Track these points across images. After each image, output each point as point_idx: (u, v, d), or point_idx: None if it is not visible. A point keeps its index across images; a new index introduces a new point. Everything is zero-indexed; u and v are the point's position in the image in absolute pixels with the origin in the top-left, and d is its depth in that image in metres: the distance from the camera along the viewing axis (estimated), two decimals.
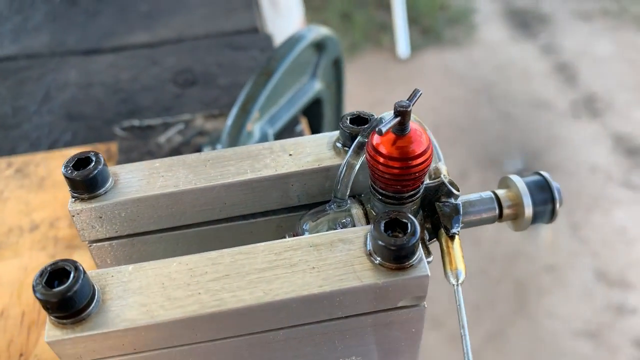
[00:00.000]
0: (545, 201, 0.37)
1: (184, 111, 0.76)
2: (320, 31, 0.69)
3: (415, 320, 0.34)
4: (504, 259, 1.89)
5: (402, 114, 0.32)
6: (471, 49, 2.52)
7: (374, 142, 0.34)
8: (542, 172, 0.38)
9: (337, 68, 0.75)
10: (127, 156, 0.66)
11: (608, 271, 1.84)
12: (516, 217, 0.38)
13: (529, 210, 0.37)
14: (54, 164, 0.66)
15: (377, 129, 0.31)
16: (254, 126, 0.62)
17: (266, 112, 0.64)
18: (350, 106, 0.80)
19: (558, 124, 2.21)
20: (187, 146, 0.67)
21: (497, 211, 0.38)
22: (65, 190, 0.64)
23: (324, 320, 0.33)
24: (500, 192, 0.38)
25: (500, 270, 1.84)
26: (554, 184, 0.37)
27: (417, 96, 0.33)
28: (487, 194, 0.38)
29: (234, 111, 0.61)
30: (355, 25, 2.58)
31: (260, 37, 0.89)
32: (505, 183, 0.39)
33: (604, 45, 2.47)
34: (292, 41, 0.66)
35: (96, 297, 0.32)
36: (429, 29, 2.60)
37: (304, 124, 0.71)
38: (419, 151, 0.33)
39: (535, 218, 0.37)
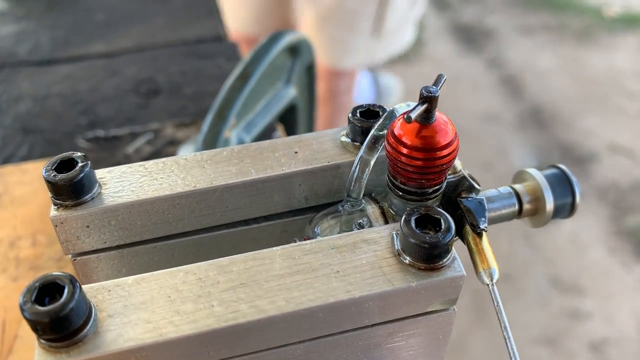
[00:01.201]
0: (566, 195, 0.36)
1: (149, 121, 0.72)
2: (295, 35, 0.66)
3: (444, 325, 0.32)
4: None
5: (429, 99, 0.30)
6: (420, 64, 2.55)
7: (397, 132, 0.31)
8: (560, 165, 0.36)
9: (309, 74, 0.73)
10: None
11: (562, 278, 1.88)
12: (536, 212, 0.36)
13: (550, 205, 0.35)
14: (11, 179, 0.61)
15: (405, 117, 0.29)
16: (231, 133, 0.59)
17: (242, 118, 0.61)
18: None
19: (506, 135, 2.26)
20: (159, 156, 0.62)
21: (517, 207, 0.36)
22: (25, 206, 0.59)
23: (349, 330, 0.30)
24: (519, 187, 0.36)
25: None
26: (574, 178, 0.36)
27: (442, 81, 0.31)
28: (506, 189, 0.36)
29: (209, 117, 0.58)
30: None
31: (225, 45, 0.86)
32: (521, 177, 0.37)
33: (546, 58, 2.55)
34: (268, 44, 0.63)
35: (93, 315, 0.27)
36: None
37: (280, 131, 0.68)
38: (445, 142, 0.31)
39: (556, 213, 0.35)
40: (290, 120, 0.71)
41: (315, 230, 0.34)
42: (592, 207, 2.03)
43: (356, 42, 1.54)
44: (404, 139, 0.31)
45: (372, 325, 0.30)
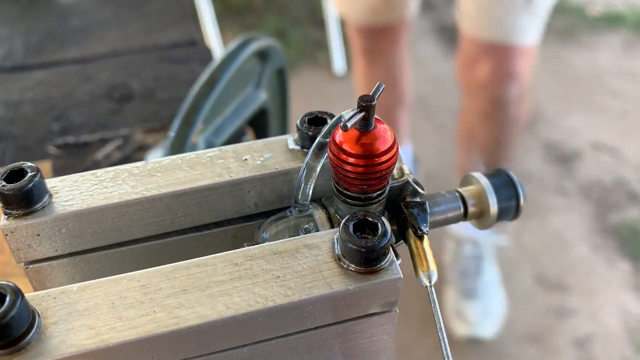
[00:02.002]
0: (510, 198, 0.36)
1: (122, 127, 0.72)
2: (264, 40, 0.67)
3: (387, 326, 0.33)
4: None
5: (366, 108, 0.31)
6: None
7: (337, 140, 0.32)
8: (504, 169, 0.37)
9: (281, 78, 0.74)
10: (63, 175, 0.61)
11: (547, 275, 1.89)
12: (481, 215, 0.37)
13: (494, 208, 0.36)
14: None
15: (341, 125, 0.30)
16: (199, 138, 0.59)
17: (211, 123, 0.62)
18: (291, 122, 0.78)
19: None
20: (128, 162, 0.63)
21: (462, 210, 0.37)
22: None
23: (291, 333, 0.31)
24: (464, 191, 0.37)
25: (443, 282, 1.86)
26: (518, 180, 0.37)
27: (380, 90, 0.32)
28: (452, 192, 0.37)
29: (176, 123, 0.59)
30: (291, 43, 2.58)
31: (199, 50, 0.86)
32: (468, 181, 0.38)
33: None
34: (236, 50, 0.64)
35: (36, 322, 0.28)
36: None
37: (250, 135, 0.68)
38: (384, 148, 0.32)
39: (500, 215, 0.36)
40: (262, 125, 0.72)
41: (264, 235, 0.35)
42: (576, 205, 2.04)
43: (513, 15, 1.24)
44: (345, 147, 0.32)
45: (315, 328, 0.31)
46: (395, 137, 0.32)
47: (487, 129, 1.44)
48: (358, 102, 0.31)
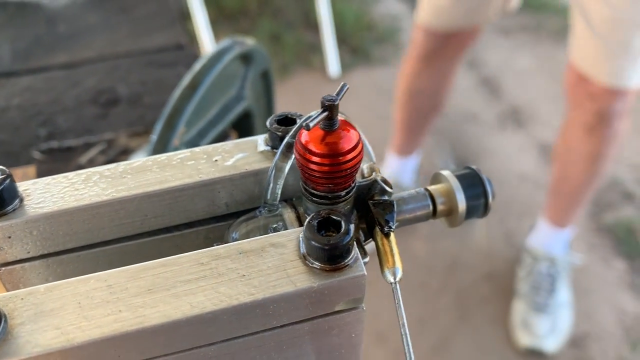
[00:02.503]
0: (478, 195, 0.37)
1: (108, 131, 0.73)
2: (247, 43, 0.67)
3: (355, 323, 0.33)
4: (443, 270, 1.91)
5: (329, 108, 0.31)
6: (399, 66, 2.57)
7: (303, 140, 0.32)
8: (472, 166, 0.37)
9: (266, 80, 0.74)
10: None
11: None
12: (450, 212, 0.37)
13: (462, 205, 0.36)
14: None
15: (304, 124, 0.30)
16: (182, 141, 0.60)
17: (193, 126, 0.62)
18: None
19: (486, 135, 2.27)
20: None
21: (431, 208, 0.37)
22: None
23: (258, 331, 0.31)
24: (433, 189, 0.38)
25: (440, 281, 1.86)
26: (485, 178, 0.37)
27: (344, 90, 0.32)
28: (421, 190, 0.38)
29: (159, 126, 0.59)
30: (285, 47, 2.59)
31: (186, 54, 0.87)
32: (437, 179, 0.38)
33: (524, 59, 2.58)
34: (218, 54, 0.64)
35: (2, 323, 0.28)
36: (358, 48, 2.63)
37: (234, 138, 0.69)
38: (349, 147, 0.32)
39: (469, 213, 0.37)
40: (246, 127, 0.73)
41: (233, 235, 0.35)
42: None
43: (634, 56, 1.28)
44: (310, 146, 0.32)
45: (282, 326, 0.31)
46: (360, 137, 0.33)
47: (589, 142, 1.45)
48: (321, 102, 0.31)
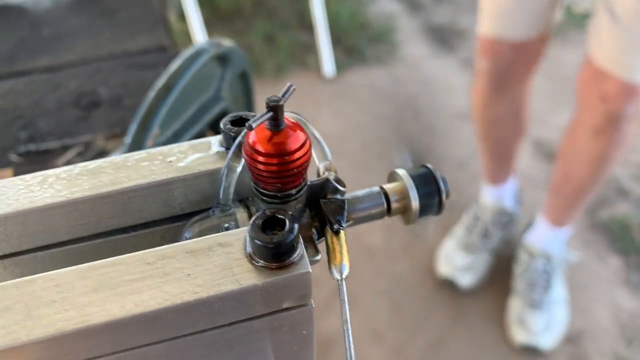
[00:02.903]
0: (432, 194, 0.37)
1: (88, 134, 0.73)
2: (223, 44, 0.68)
3: (305, 321, 0.33)
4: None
5: (274, 108, 0.31)
6: (395, 66, 2.57)
7: (250, 141, 0.33)
8: (427, 165, 0.38)
9: (244, 81, 0.74)
10: None
11: None
12: (404, 210, 0.37)
13: (415, 204, 0.37)
14: None
15: (247, 125, 0.30)
16: (156, 142, 0.60)
17: (168, 127, 0.63)
18: None
19: None
20: None
21: (385, 206, 0.37)
22: None
23: (206, 329, 0.32)
24: (388, 187, 0.38)
25: (436, 280, 1.86)
26: (440, 176, 0.37)
27: (290, 91, 0.33)
28: (375, 189, 0.38)
29: (132, 128, 0.59)
30: (280, 47, 2.59)
31: (168, 56, 0.87)
32: (392, 177, 0.39)
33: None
34: (193, 55, 0.65)
35: None
36: (353, 48, 2.63)
37: None
38: (295, 146, 0.32)
39: (423, 210, 0.37)
40: None
41: (186, 235, 0.36)
42: None
43: None
44: (257, 147, 0.32)
45: (230, 324, 0.32)
46: (307, 136, 0.33)
47: (596, 144, 1.43)
48: (266, 103, 0.32)
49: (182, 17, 2.44)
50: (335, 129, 2.29)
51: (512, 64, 1.53)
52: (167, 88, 0.61)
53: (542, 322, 1.68)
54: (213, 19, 2.67)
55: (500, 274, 1.86)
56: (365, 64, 2.58)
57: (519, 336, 1.68)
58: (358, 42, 2.66)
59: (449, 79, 2.50)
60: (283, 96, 0.32)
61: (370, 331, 1.74)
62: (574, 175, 1.56)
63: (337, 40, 2.60)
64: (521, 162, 2.13)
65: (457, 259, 1.82)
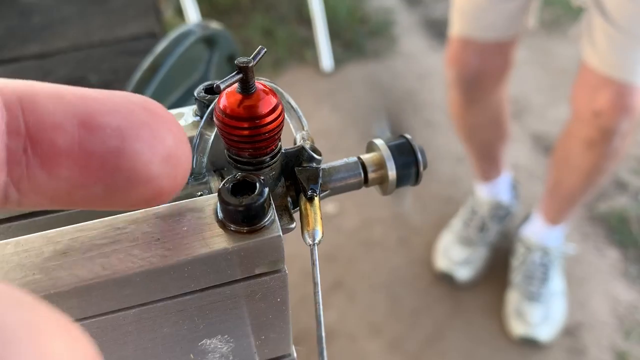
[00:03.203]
0: (409, 164, 0.37)
1: None
2: (210, 26, 0.68)
3: (278, 288, 0.33)
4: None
5: (243, 69, 0.31)
6: (393, 60, 2.57)
7: (221, 105, 0.32)
8: (406, 135, 0.37)
9: (233, 65, 0.74)
10: None
11: None
12: (382, 181, 0.37)
13: (392, 174, 0.36)
14: None
15: (214, 86, 0.30)
16: None
17: None
18: None
19: None
20: None
21: (362, 176, 0.37)
22: None
23: (177, 295, 0.31)
24: (366, 157, 0.38)
25: (433, 273, 1.86)
26: (417, 146, 0.37)
27: (262, 54, 0.32)
28: (352, 159, 0.38)
29: None
30: (278, 41, 2.59)
31: (158, 42, 0.87)
32: (370, 147, 0.38)
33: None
34: (179, 37, 0.64)
35: None
36: (351, 42, 2.63)
37: None
38: (266, 110, 0.32)
39: (400, 181, 0.37)
40: None
41: None
42: None
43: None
44: (227, 110, 0.32)
45: (202, 290, 0.31)
46: (279, 99, 0.33)
47: (587, 156, 1.43)
48: (236, 64, 0.31)
49: (179, 11, 2.44)
50: (333, 123, 2.29)
51: (480, 73, 1.52)
52: (153, 69, 0.61)
53: (540, 315, 1.68)
54: (211, 13, 2.67)
55: (498, 266, 1.85)
56: (364, 58, 2.58)
57: (517, 328, 1.68)
58: (356, 36, 2.66)
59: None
60: (254, 58, 0.31)
61: (368, 324, 1.74)
62: (566, 183, 1.56)
63: (335, 34, 2.59)
64: (519, 155, 2.13)
65: (455, 253, 1.82)
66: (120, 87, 0.80)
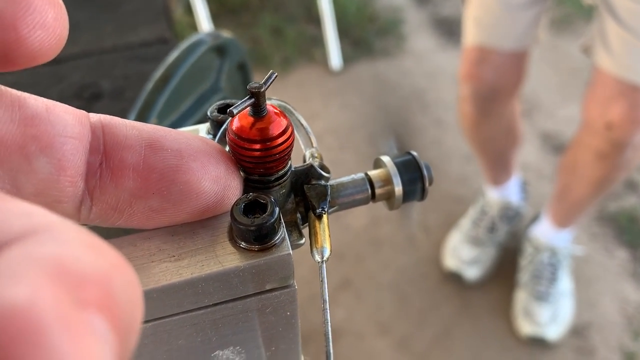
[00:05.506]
0: (415, 180, 0.38)
1: None
2: (220, 35, 0.69)
3: (288, 302, 0.34)
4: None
5: (255, 95, 0.32)
6: (402, 58, 2.57)
7: (233, 127, 0.33)
8: (411, 152, 0.38)
9: (243, 72, 0.75)
10: None
11: None
12: (388, 196, 0.38)
13: (399, 189, 0.37)
14: None
15: (228, 111, 0.31)
16: None
17: (166, 118, 0.64)
18: None
19: None
20: None
21: (369, 192, 0.38)
22: None
23: (191, 309, 0.33)
24: (373, 173, 0.39)
25: (442, 272, 1.87)
26: (423, 163, 0.38)
27: (272, 78, 0.33)
28: (360, 175, 0.39)
29: (130, 118, 0.60)
30: (287, 40, 2.60)
31: (169, 48, 0.88)
32: (377, 164, 0.39)
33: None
34: (190, 46, 0.66)
35: None
36: (360, 40, 2.64)
37: None
38: (277, 132, 0.33)
39: (406, 196, 0.38)
40: None
41: None
42: None
43: None
44: (240, 132, 0.33)
45: (214, 305, 0.33)
46: (289, 121, 0.34)
47: (597, 167, 1.41)
48: (248, 90, 0.32)
49: (189, 10, 2.45)
50: (342, 122, 2.30)
51: (496, 87, 1.51)
52: (165, 79, 0.62)
53: (548, 314, 1.68)
54: (220, 12, 2.69)
55: (506, 266, 1.86)
56: (372, 57, 2.58)
57: (525, 328, 1.68)
58: (365, 34, 2.66)
59: (456, 71, 2.50)
60: (265, 83, 0.32)
61: (376, 323, 1.75)
62: (574, 190, 1.55)
63: (344, 32, 2.60)
64: (528, 154, 2.13)
65: (464, 253, 1.83)
66: (132, 93, 0.81)
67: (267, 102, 0.34)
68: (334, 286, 1.81)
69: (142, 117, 0.61)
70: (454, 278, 1.82)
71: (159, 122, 0.62)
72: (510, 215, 1.85)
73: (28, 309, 0.13)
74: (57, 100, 0.79)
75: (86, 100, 0.79)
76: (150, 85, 0.62)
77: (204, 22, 2.33)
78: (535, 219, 1.84)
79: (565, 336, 1.69)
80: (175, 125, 0.65)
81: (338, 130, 2.25)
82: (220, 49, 0.69)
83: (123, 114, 0.77)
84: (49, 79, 0.83)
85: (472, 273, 1.81)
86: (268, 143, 0.33)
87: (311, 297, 1.59)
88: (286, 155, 0.34)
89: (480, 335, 1.71)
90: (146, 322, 0.32)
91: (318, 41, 2.58)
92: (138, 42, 0.89)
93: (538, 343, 1.68)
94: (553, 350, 1.67)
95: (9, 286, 0.13)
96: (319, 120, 2.25)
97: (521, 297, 1.74)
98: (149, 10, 0.96)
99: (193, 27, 2.41)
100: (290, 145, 0.34)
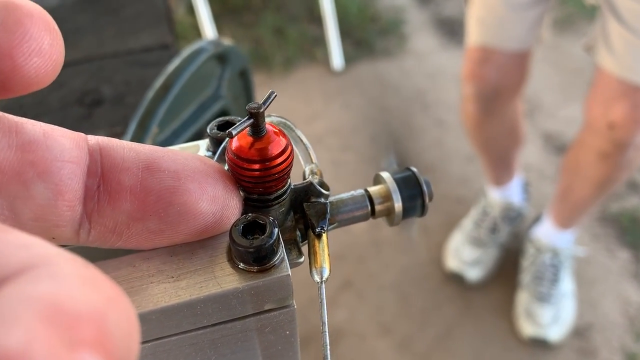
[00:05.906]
0: (415, 196, 0.38)
1: (90, 132, 0.75)
2: (222, 43, 0.69)
3: (287, 321, 0.34)
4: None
5: (254, 115, 0.32)
6: (403, 58, 2.56)
7: (233, 147, 0.33)
8: (411, 168, 0.38)
9: (244, 79, 0.75)
10: None
11: None
12: (388, 213, 0.38)
13: (398, 206, 0.37)
14: None
15: (227, 132, 0.31)
16: (154, 141, 0.61)
17: (167, 126, 0.64)
18: None
19: None
20: None
21: (369, 208, 0.38)
22: None
23: (190, 330, 0.33)
24: (372, 190, 0.39)
25: (444, 273, 1.87)
26: (423, 179, 0.38)
27: (272, 98, 0.33)
28: (359, 192, 0.39)
29: (132, 127, 0.61)
30: (289, 40, 2.60)
31: (170, 53, 0.88)
32: (377, 180, 0.39)
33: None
34: (191, 54, 0.65)
35: None
36: (361, 40, 2.63)
37: None
38: (277, 152, 0.33)
39: (406, 212, 0.38)
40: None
41: None
42: None
43: None
44: (239, 152, 0.33)
45: (213, 325, 0.33)
46: (288, 140, 0.34)
47: (599, 167, 1.41)
48: (247, 110, 0.32)
49: (191, 10, 2.45)
50: (344, 122, 2.29)
51: (499, 87, 1.51)
52: (165, 88, 0.62)
53: (549, 315, 1.68)
54: (222, 12, 2.68)
55: (508, 267, 1.86)
56: (374, 57, 2.58)
57: (527, 329, 1.68)
58: (367, 34, 2.66)
59: (458, 71, 2.49)
60: (264, 103, 0.32)
61: (377, 324, 1.75)
62: (576, 191, 1.55)
63: (346, 33, 2.60)
64: (530, 155, 2.12)
65: (465, 254, 1.82)
66: (133, 99, 0.81)
67: (267, 119, 0.34)
68: (335, 287, 1.81)
69: (143, 125, 0.61)
70: (456, 279, 1.82)
71: (161, 130, 0.62)
72: (512, 216, 1.85)
73: (22, 355, 0.13)
74: (58, 106, 0.79)
75: (87, 106, 0.79)
76: (151, 94, 0.62)
77: (206, 22, 2.32)
78: (537, 219, 1.84)
79: (567, 337, 1.69)
80: (177, 133, 0.65)
81: (339, 130, 2.25)
82: (221, 57, 0.69)
83: (125, 120, 0.77)
84: (49, 85, 0.83)
85: (473, 274, 1.81)
86: (267, 163, 0.33)
87: (310, 299, 1.59)
88: (285, 174, 0.34)
89: (482, 336, 1.71)
90: (145, 342, 0.32)
91: (320, 41, 2.58)
92: (139, 48, 0.89)
93: (540, 344, 1.67)
94: (555, 351, 1.67)
95: (4, 331, 0.13)
96: (320, 120, 2.25)
97: (523, 298, 1.74)
98: (150, 14, 0.96)
99: (195, 27, 2.41)
100: (290, 165, 0.34)
